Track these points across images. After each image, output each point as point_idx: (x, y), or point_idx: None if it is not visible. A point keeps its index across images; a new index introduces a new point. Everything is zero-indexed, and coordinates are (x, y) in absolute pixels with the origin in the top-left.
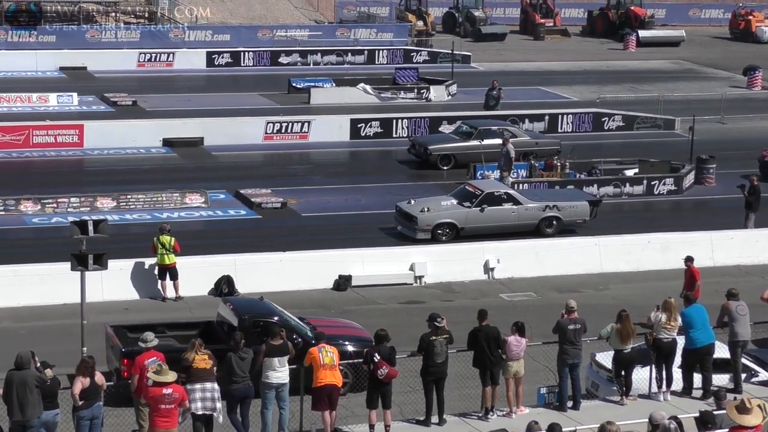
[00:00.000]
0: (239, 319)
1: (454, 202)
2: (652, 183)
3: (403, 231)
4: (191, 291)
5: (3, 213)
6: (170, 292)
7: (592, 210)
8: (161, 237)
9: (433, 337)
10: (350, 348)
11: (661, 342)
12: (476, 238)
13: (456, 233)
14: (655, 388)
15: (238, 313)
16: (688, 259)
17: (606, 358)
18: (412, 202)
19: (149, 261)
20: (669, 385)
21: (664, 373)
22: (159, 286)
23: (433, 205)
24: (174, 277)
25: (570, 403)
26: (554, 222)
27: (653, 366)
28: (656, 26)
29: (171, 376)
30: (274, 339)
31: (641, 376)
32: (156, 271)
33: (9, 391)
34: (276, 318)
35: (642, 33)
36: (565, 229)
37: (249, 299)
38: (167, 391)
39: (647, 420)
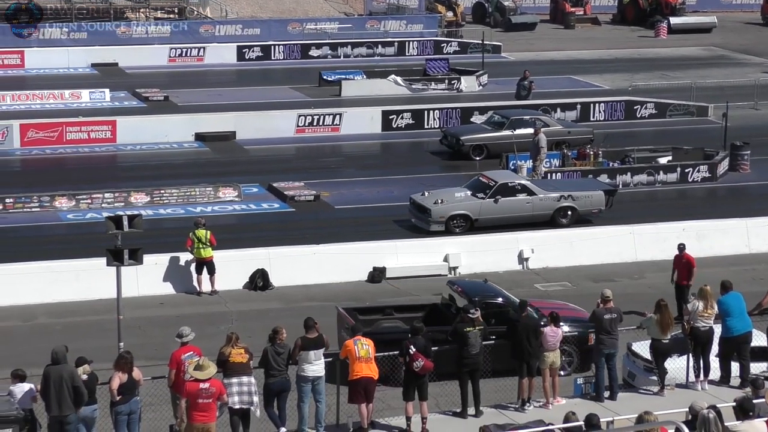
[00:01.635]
0: (470, 301)
1: (468, 193)
2: (686, 170)
3: (417, 223)
4: (226, 285)
5: (38, 209)
6: (206, 287)
7: (607, 199)
8: (197, 231)
9: (468, 329)
10: (566, 328)
11: (698, 331)
12: (510, 228)
13: (470, 225)
14: (692, 378)
15: (468, 295)
16: (682, 246)
17: (642, 348)
18: (426, 194)
19: (184, 255)
20: (706, 374)
21: (701, 362)
22: (195, 281)
23: (447, 196)
24: (211, 271)
25: (607, 393)
26: (569, 212)
27: (690, 355)
28: (687, 13)
29: (210, 371)
30: (309, 332)
31: (678, 365)
32: (193, 266)
33: (46, 386)
34: (501, 299)
35: (673, 20)
36: (581, 219)
37: (474, 282)
38: (204, 385)
39: (686, 410)
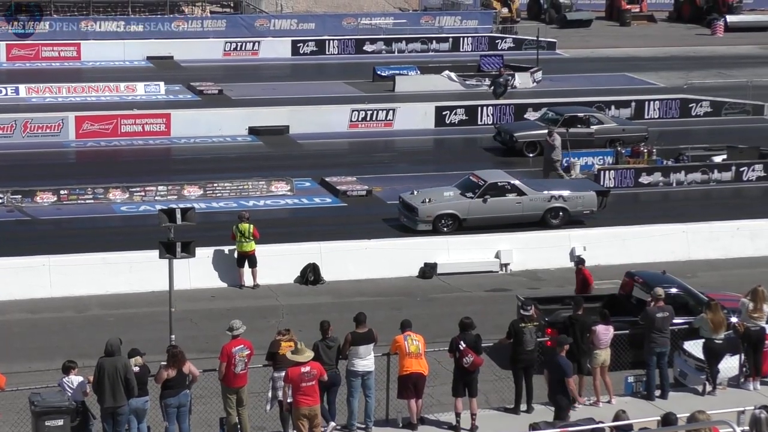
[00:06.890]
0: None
1: (457, 192)
2: (741, 169)
3: (406, 222)
4: (277, 279)
5: (92, 201)
6: (249, 280)
7: (600, 200)
8: (240, 225)
9: (522, 324)
10: (734, 319)
11: (749, 330)
12: (562, 226)
13: (458, 224)
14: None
15: (649, 287)
16: (580, 262)
17: (694, 347)
18: (415, 192)
19: (234, 249)
20: (758, 374)
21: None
22: (238, 274)
23: (435, 195)
24: (253, 264)
25: (658, 392)
26: (560, 213)
27: (742, 355)
28: (744, 11)
29: (309, 354)
30: (359, 327)
31: (730, 365)
32: (236, 259)
33: (101, 377)
34: (680, 290)
35: (730, 18)
36: (572, 220)
37: (653, 273)
38: (305, 369)
39: (738, 410)
